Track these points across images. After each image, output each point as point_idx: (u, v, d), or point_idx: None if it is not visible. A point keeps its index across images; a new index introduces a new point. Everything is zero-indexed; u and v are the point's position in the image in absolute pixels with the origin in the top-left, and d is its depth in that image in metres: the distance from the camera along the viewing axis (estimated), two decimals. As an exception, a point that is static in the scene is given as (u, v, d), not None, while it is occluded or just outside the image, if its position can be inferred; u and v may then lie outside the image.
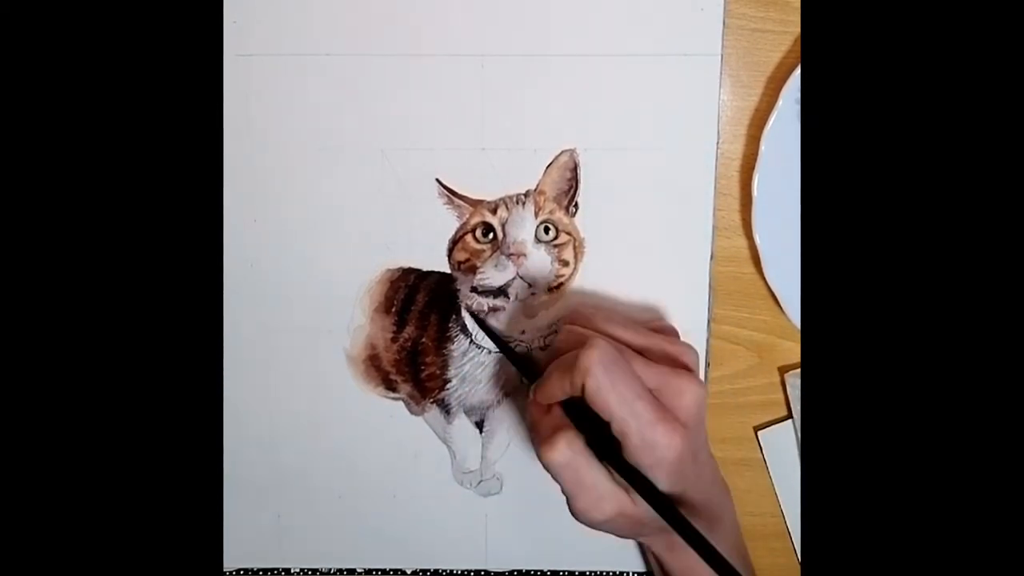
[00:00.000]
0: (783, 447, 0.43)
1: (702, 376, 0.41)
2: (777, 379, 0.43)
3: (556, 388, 0.34)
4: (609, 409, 0.32)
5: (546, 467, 0.34)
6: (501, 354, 0.41)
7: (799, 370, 0.42)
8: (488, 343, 0.41)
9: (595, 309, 0.37)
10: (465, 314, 0.41)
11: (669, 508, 0.33)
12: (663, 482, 0.33)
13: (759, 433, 0.43)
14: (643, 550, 0.42)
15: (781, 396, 0.43)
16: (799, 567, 0.45)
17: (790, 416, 0.43)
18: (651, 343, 0.35)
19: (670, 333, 0.38)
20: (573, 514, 0.35)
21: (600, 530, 0.35)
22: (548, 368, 0.35)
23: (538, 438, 0.35)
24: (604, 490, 0.33)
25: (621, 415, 0.32)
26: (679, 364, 0.35)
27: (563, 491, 0.34)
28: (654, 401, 0.33)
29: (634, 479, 0.33)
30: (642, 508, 0.33)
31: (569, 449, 0.33)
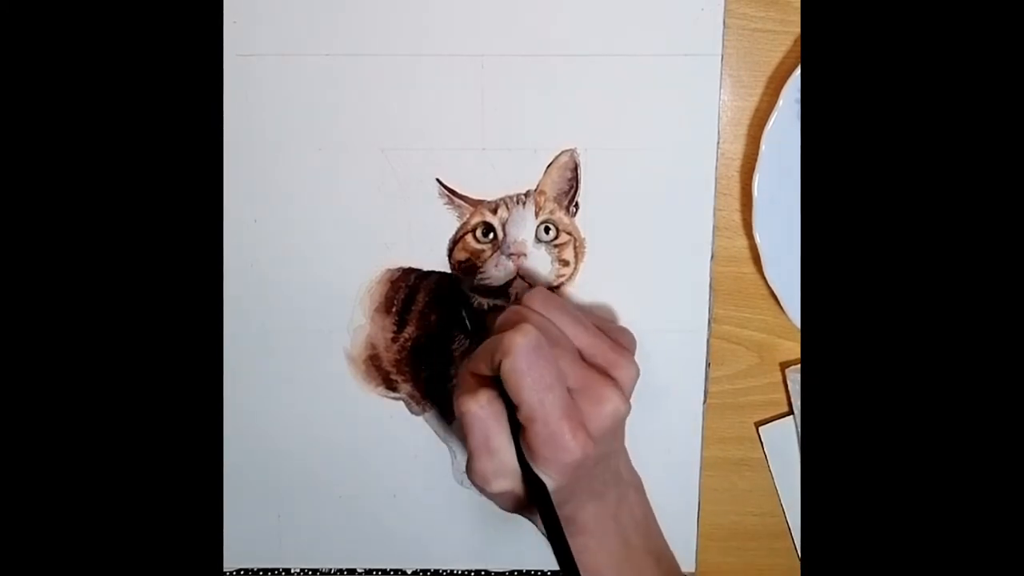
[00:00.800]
0: (784, 443, 0.43)
1: (701, 377, 0.41)
2: (777, 379, 0.43)
3: (480, 361, 0.34)
4: (519, 392, 0.31)
5: (461, 415, 0.33)
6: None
7: (799, 365, 0.42)
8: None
9: (551, 296, 0.36)
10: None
11: (546, 503, 0.32)
12: (554, 479, 0.32)
13: (760, 429, 0.43)
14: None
15: (781, 396, 0.43)
16: (799, 567, 0.45)
17: (791, 412, 0.43)
18: (593, 344, 0.35)
19: (621, 342, 0.37)
20: (469, 473, 0.34)
21: (486, 496, 0.34)
22: (484, 341, 0.34)
23: (461, 389, 0.34)
24: (506, 463, 0.33)
25: (529, 401, 0.31)
26: (609, 375, 0.34)
27: (468, 447, 0.33)
28: (567, 398, 0.32)
29: (526, 469, 0.33)
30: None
31: (489, 404, 0.33)
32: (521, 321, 0.33)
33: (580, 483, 0.33)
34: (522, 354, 0.31)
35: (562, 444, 0.31)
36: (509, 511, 0.35)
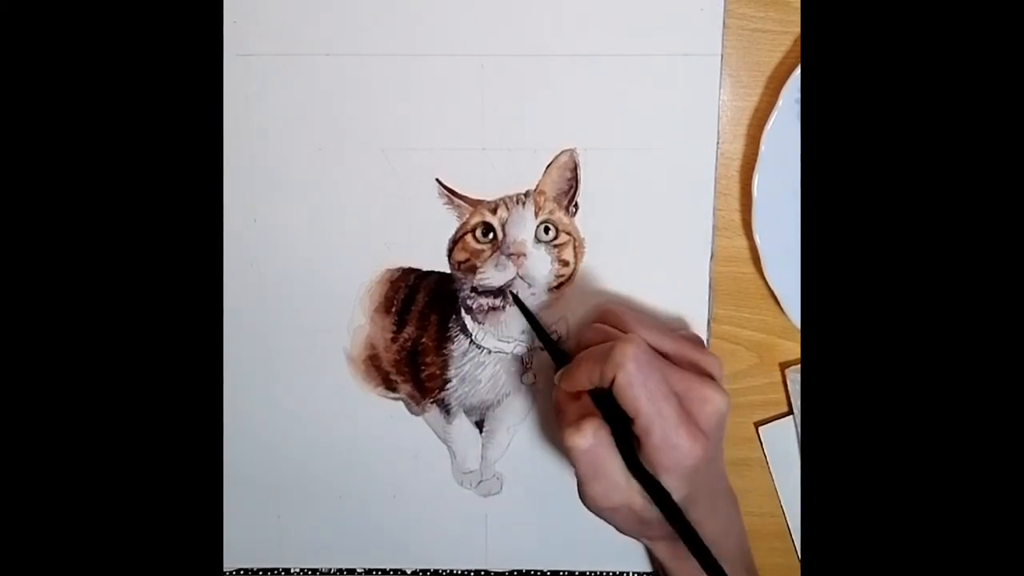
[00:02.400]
0: (784, 443, 0.43)
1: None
2: (777, 379, 0.43)
3: (584, 377, 0.34)
4: (637, 405, 0.32)
5: (568, 450, 0.34)
6: (501, 354, 0.41)
7: (799, 365, 0.42)
8: (488, 343, 0.41)
9: (625, 310, 0.37)
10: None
11: (677, 514, 0.33)
12: (676, 487, 0.33)
13: (760, 429, 0.43)
14: (650, 555, 0.42)
15: (781, 396, 0.43)
16: (799, 567, 0.45)
17: (791, 412, 0.43)
18: (678, 349, 0.35)
19: (696, 342, 0.38)
20: (582, 498, 0.35)
21: (604, 519, 0.35)
22: (578, 356, 0.35)
23: (564, 421, 0.35)
24: (618, 481, 0.33)
25: (648, 413, 0.32)
26: (704, 373, 0.35)
27: (577, 475, 0.34)
28: (679, 405, 0.33)
29: (647, 480, 0.33)
30: (649, 508, 0.33)
31: (595, 436, 0.33)
32: (612, 336, 0.34)
33: (698, 489, 0.34)
34: (635, 367, 0.32)
35: (683, 450, 0.32)
36: (627, 532, 0.36)
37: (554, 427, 0.42)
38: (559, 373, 0.36)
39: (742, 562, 0.37)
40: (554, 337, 0.41)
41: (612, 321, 0.37)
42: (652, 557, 0.42)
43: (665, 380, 0.33)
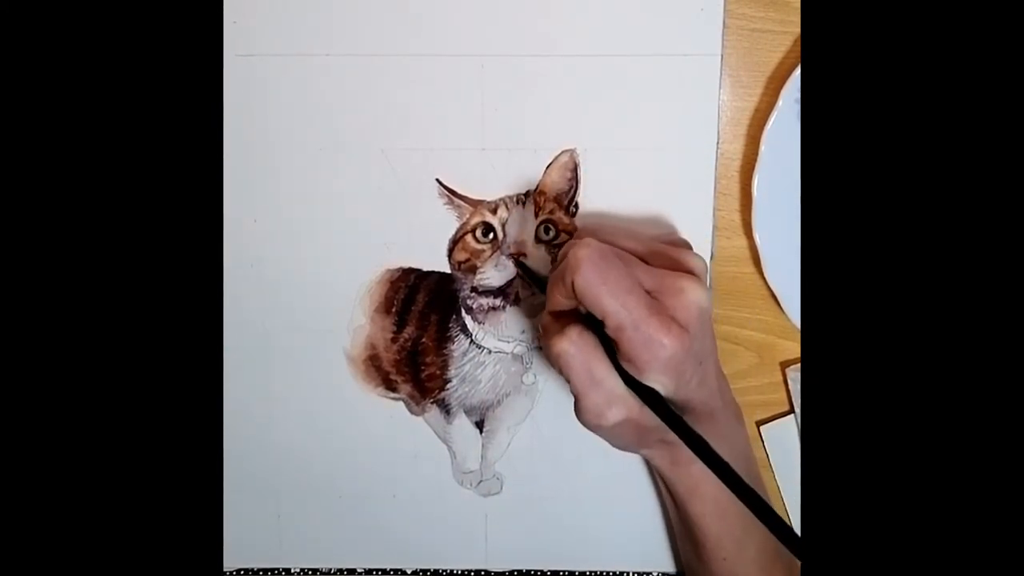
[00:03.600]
0: (785, 442, 0.43)
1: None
2: (777, 378, 0.43)
3: (557, 294, 0.33)
4: (600, 303, 0.31)
5: (556, 358, 0.32)
6: (501, 354, 0.41)
7: (800, 364, 0.42)
8: (488, 343, 0.41)
9: (601, 222, 0.36)
10: (506, 260, 0.40)
11: (668, 411, 0.32)
12: (662, 382, 0.32)
13: (761, 428, 0.43)
14: (649, 469, 0.42)
15: (782, 395, 0.43)
16: (799, 566, 0.45)
17: (792, 411, 0.43)
18: (655, 250, 0.34)
19: (679, 244, 0.36)
20: (579, 414, 0.33)
21: (602, 436, 0.34)
22: (550, 277, 0.34)
23: (549, 335, 0.33)
24: (614, 391, 0.32)
25: (612, 308, 0.31)
26: (682, 268, 0.33)
27: (573, 389, 0.33)
28: (648, 297, 0.32)
29: (634, 386, 0.32)
30: (648, 414, 0.32)
31: (580, 338, 0.32)
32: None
33: (690, 392, 0.32)
34: (590, 266, 0.31)
35: (657, 340, 0.31)
36: (627, 447, 0.34)
37: (554, 426, 0.42)
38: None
39: (747, 472, 0.36)
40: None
41: (588, 235, 0.35)
42: (652, 471, 0.41)
43: (628, 274, 0.32)
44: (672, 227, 0.40)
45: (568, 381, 0.33)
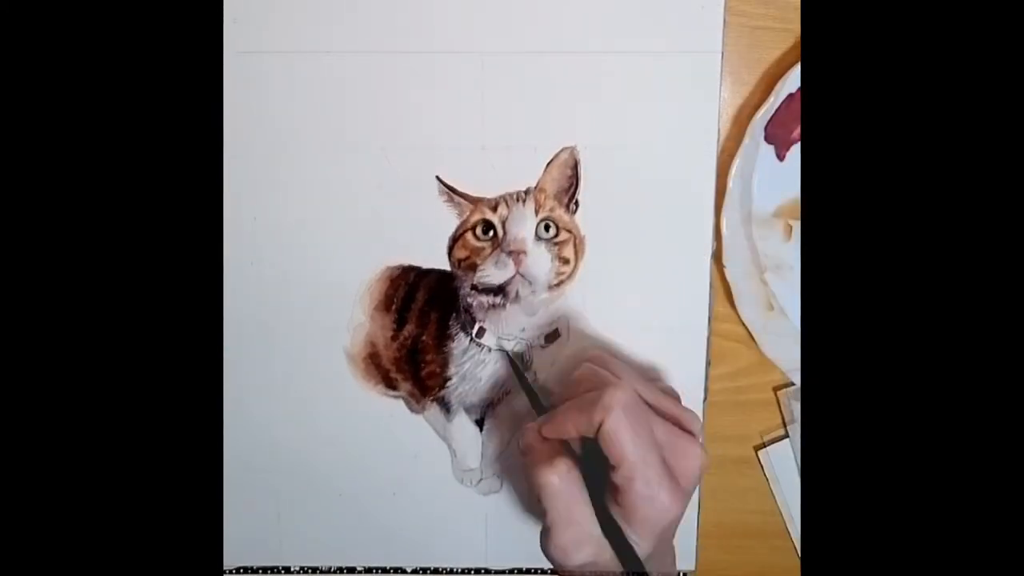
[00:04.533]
0: (783, 464, 0.43)
1: (701, 375, 0.41)
2: (777, 376, 0.43)
3: (571, 424, 0.33)
4: (623, 451, 0.31)
5: (541, 488, 0.33)
6: (501, 353, 0.41)
7: (791, 388, 0.43)
8: (489, 341, 0.41)
9: (610, 356, 0.37)
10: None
11: (638, 571, 0.32)
12: (646, 541, 0.32)
13: (759, 453, 0.43)
14: None
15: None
16: (799, 566, 0.45)
17: (787, 435, 0.43)
18: (660, 401, 0.35)
19: (674, 396, 0.37)
20: (545, 546, 0.33)
21: (564, 571, 0.33)
22: (564, 405, 0.34)
23: (535, 459, 0.34)
24: (589, 533, 0.32)
25: (633, 460, 0.31)
26: (685, 428, 0.34)
27: (546, 520, 0.33)
28: (662, 458, 0.32)
29: (615, 536, 0.32)
30: (614, 565, 0.32)
31: (568, 475, 0.33)
32: (603, 381, 0.33)
33: (662, 549, 0.33)
34: (624, 413, 0.31)
35: (662, 504, 0.31)
36: None
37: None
38: (540, 419, 0.35)
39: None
40: (531, 379, 0.41)
41: (599, 365, 0.36)
42: None
43: (651, 430, 0.32)
44: (670, 226, 0.40)
45: (544, 513, 0.33)
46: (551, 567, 0.44)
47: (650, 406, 0.34)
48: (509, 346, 0.41)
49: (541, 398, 0.39)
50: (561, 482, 0.33)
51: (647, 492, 0.31)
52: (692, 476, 0.33)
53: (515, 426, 0.42)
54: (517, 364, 0.40)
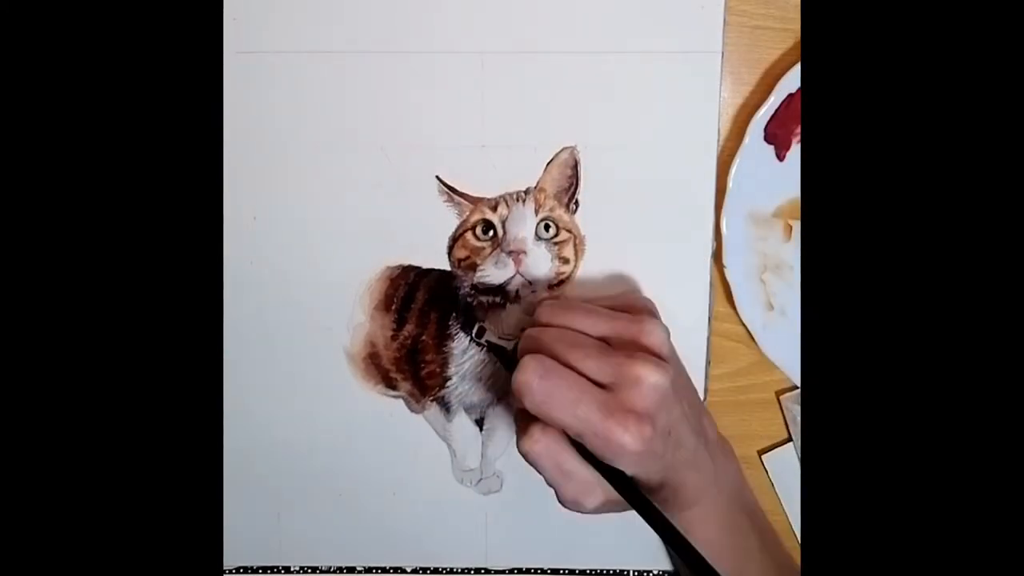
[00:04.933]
0: (787, 469, 0.43)
1: (701, 375, 0.41)
2: (777, 376, 0.43)
3: (516, 406, 0.34)
4: (553, 418, 0.32)
5: (525, 457, 0.34)
6: (487, 343, 0.41)
7: (793, 392, 0.43)
8: (488, 340, 0.41)
9: (556, 302, 0.37)
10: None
11: (635, 495, 0.32)
12: (632, 471, 0.33)
13: (763, 457, 0.43)
14: None
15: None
16: (799, 565, 0.45)
17: (790, 439, 0.43)
18: (612, 326, 0.35)
19: (640, 307, 0.37)
20: (563, 504, 0.35)
21: (595, 514, 0.35)
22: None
23: (518, 435, 0.35)
24: (587, 480, 0.33)
25: (565, 422, 0.32)
26: (640, 347, 0.34)
27: (548, 482, 0.34)
28: (602, 399, 0.32)
29: (603, 470, 0.33)
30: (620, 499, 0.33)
31: (543, 436, 0.33)
32: (527, 351, 0.34)
33: (665, 460, 0.33)
34: (533, 387, 0.32)
35: (618, 442, 0.32)
36: (619, 512, 0.35)
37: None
38: None
39: (741, 506, 0.37)
40: None
41: (544, 320, 0.36)
42: None
43: (575, 381, 0.32)
44: (670, 226, 0.40)
45: (542, 476, 0.34)
46: (551, 567, 0.44)
47: (604, 337, 0.34)
48: (509, 346, 0.41)
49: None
50: (538, 445, 0.33)
51: (599, 440, 0.32)
52: (648, 397, 0.32)
53: (515, 426, 0.42)
54: (496, 345, 0.40)
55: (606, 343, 0.35)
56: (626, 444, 0.32)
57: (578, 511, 0.35)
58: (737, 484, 0.37)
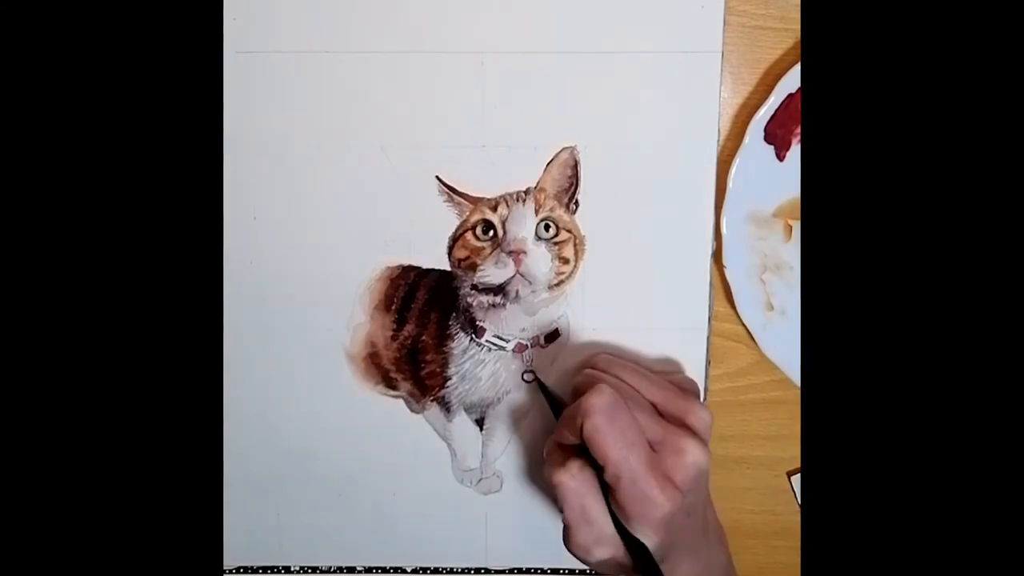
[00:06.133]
0: None
1: (701, 375, 0.41)
2: (777, 376, 0.43)
3: (565, 429, 0.35)
4: (604, 452, 0.32)
5: (556, 487, 0.34)
6: (501, 352, 0.41)
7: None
8: (489, 341, 0.41)
9: (614, 358, 0.38)
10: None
11: (650, 565, 0.33)
12: (650, 536, 0.33)
13: (792, 479, 0.44)
14: None
15: (781, 393, 0.43)
16: (799, 565, 0.45)
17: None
18: (664, 396, 0.36)
19: (688, 388, 0.38)
20: (569, 545, 0.35)
21: (590, 566, 0.35)
22: (566, 410, 0.36)
23: (551, 464, 0.35)
24: (604, 531, 0.34)
25: (614, 460, 0.32)
26: (686, 424, 0.35)
27: (565, 520, 0.34)
28: (651, 454, 0.33)
29: (623, 532, 0.33)
30: (630, 560, 0.34)
31: (580, 473, 0.34)
32: (595, 383, 0.34)
33: (676, 537, 0.33)
34: (602, 413, 0.32)
35: (651, 499, 0.32)
36: None
37: (554, 423, 0.42)
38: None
39: None
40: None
41: (601, 368, 0.37)
42: None
43: (636, 429, 0.33)
44: (670, 226, 0.40)
45: (561, 512, 0.34)
46: (551, 567, 0.44)
47: (654, 404, 0.35)
48: (509, 346, 0.41)
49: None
50: (573, 481, 0.34)
51: (633, 490, 0.32)
52: (687, 471, 0.33)
53: (515, 426, 0.42)
54: (546, 386, 0.41)
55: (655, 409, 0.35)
56: (659, 505, 0.32)
57: (582, 558, 0.35)
58: (725, 570, 0.38)
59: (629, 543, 0.33)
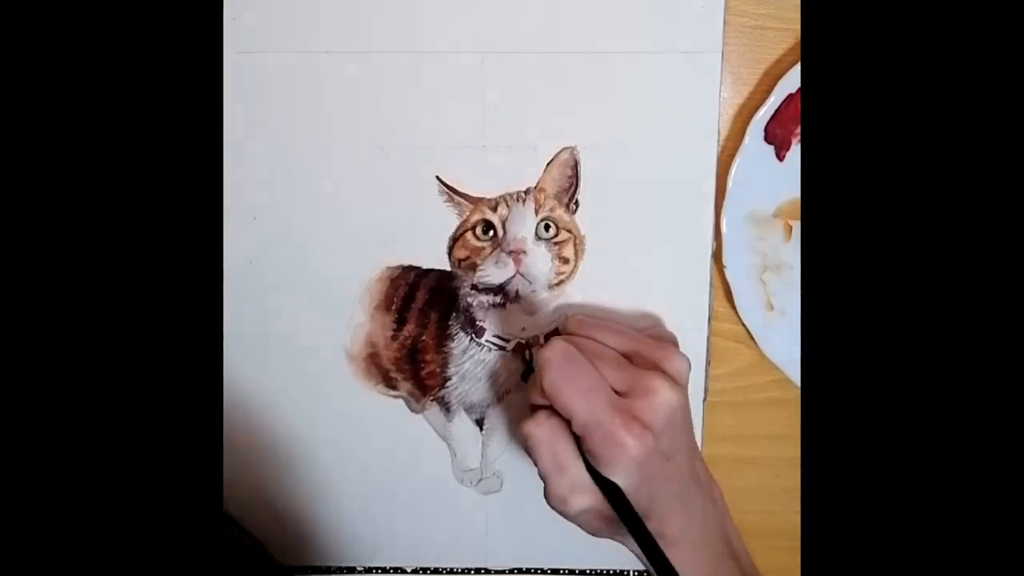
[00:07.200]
0: None
1: (702, 376, 0.41)
2: (777, 376, 0.43)
3: (531, 391, 0.34)
4: (564, 403, 0.32)
5: (525, 440, 0.34)
6: (501, 352, 0.41)
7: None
8: (489, 341, 0.41)
9: (585, 317, 0.37)
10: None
11: (626, 507, 0.32)
12: (624, 479, 0.32)
13: None
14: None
15: (781, 393, 0.43)
16: (799, 564, 0.45)
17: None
18: (636, 347, 0.35)
19: (665, 338, 0.37)
20: (547, 498, 0.34)
21: (572, 521, 0.35)
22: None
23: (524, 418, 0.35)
24: (579, 479, 0.33)
25: (574, 408, 0.32)
26: (660, 370, 0.34)
27: (540, 472, 0.34)
28: (614, 397, 0.33)
29: (597, 478, 0.33)
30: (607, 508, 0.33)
31: (548, 420, 0.33)
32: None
33: (656, 485, 0.33)
34: (554, 366, 0.32)
35: (618, 440, 0.32)
36: (595, 533, 0.35)
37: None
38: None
39: (728, 552, 0.37)
40: None
41: (572, 330, 0.37)
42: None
43: (595, 375, 0.33)
44: (670, 226, 0.40)
45: (535, 464, 0.34)
46: (551, 567, 0.44)
47: (627, 355, 0.35)
48: (509, 346, 0.41)
49: None
50: (540, 429, 0.33)
51: (600, 434, 0.32)
52: (657, 411, 0.32)
53: (515, 426, 0.42)
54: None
55: (628, 360, 0.35)
56: (627, 445, 0.31)
57: (562, 512, 0.34)
58: (723, 528, 0.37)
59: (603, 486, 0.32)
